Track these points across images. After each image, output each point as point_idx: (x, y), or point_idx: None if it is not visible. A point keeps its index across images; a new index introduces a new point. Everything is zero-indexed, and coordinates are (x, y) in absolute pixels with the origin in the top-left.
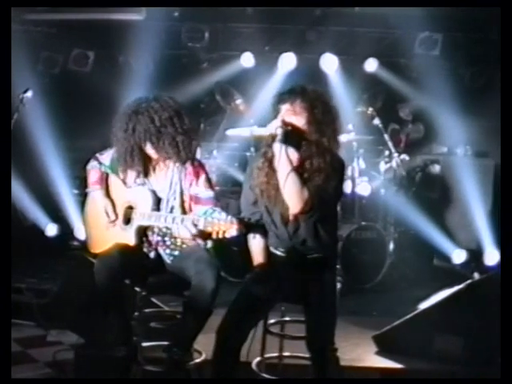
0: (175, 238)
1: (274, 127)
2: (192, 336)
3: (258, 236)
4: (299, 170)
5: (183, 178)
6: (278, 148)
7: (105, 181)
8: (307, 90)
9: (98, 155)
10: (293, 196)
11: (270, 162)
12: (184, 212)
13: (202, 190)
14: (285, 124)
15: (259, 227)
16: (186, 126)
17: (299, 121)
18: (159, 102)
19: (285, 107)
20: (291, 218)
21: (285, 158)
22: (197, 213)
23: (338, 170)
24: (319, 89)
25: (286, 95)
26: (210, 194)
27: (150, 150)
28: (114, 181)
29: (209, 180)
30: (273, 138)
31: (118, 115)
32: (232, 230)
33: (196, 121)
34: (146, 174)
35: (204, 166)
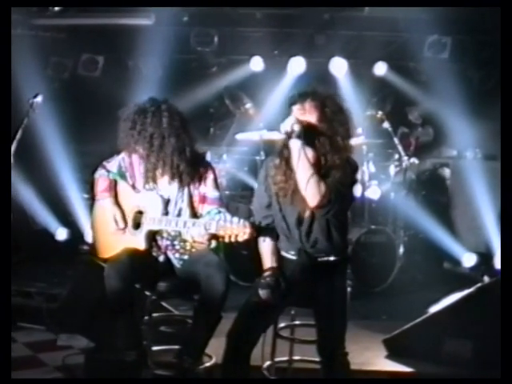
0: (184, 241)
1: (290, 124)
2: (202, 342)
3: (267, 239)
4: (316, 166)
5: (192, 180)
6: (296, 144)
7: (114, 188)
8: (318, 90)
9: (105, 163)
10: (311, 190)
11: (286, 160)
12: (193, 213)
13: (209, 189)
14: (299, 121)
15: (269, 230)
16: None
17: (310, 119)
18: (152, 124)
19: (296, 107)
20: (307, 215)
21: (303, 153)
22: (202, 212)
23: (353, 169)
24: (331, 90)
25: (296, 96)
26: (217, 194)
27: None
28: (123, 187)
29: (216, 181)
30: (288, 135)
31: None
32: (244, 234)
33: (205, 126)
34: (155, 179)
35: (213, 167)
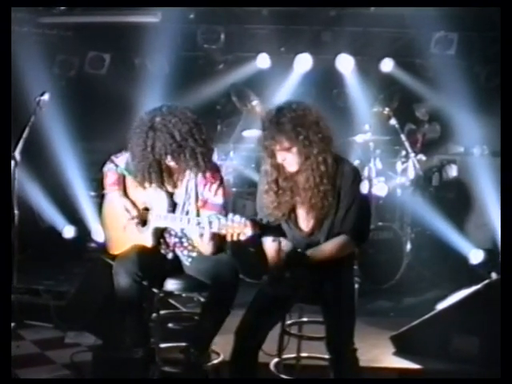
0: (192, 239)
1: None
2: (209, 337)
3: (273, 237)
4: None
5: (199, 183)
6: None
7: (122, 182)
8: (274, 133)
9: (113, 157)
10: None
11: (276, 182)
12: (199, 215)
13: (212, 195)
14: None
15: (274, 228)
16: (205, 136)
17: (289, 154)
18: (176, 115)
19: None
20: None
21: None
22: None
23: (357, 180)
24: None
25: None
26: (220, 201)
27: (170, 162)
28: (130, 183)
29: (222, 187)
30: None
31: (133, 130)
32: (246, 232)
33: (212, 123)
34: (163, 181)
35: (220, 171)
